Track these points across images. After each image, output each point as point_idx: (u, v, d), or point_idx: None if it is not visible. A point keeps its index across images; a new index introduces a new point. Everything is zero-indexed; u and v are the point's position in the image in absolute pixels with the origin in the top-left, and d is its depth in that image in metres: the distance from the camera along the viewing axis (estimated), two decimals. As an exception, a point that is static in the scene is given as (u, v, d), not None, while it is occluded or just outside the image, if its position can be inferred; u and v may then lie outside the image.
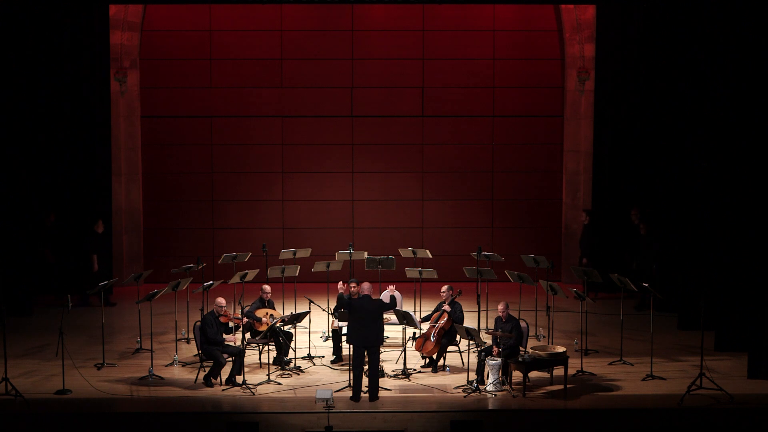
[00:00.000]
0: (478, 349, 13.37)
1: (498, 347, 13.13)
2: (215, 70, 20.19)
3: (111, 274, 18.37)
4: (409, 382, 13.44)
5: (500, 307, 13.43)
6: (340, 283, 15.04)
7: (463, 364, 13.86)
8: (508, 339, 13.10)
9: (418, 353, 14.13)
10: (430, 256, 16.85)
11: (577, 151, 19.91)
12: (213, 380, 13.25)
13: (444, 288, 14.20)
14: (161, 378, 13.52)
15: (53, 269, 18.29)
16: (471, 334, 12.93)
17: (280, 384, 13.30)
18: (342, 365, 14.11)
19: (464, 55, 20.25)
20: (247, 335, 14.25)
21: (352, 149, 20.42)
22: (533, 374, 13.28)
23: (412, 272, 15.71)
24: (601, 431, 11.98)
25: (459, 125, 20.39)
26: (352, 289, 14.36)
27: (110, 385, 13.25)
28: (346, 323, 13.89)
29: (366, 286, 13.02)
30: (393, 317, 14.44)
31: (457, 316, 13.91)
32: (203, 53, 20.13)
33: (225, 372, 13.27)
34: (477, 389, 12.88)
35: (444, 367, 13.97)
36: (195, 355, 14.21)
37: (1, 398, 12.53)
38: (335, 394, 12.29)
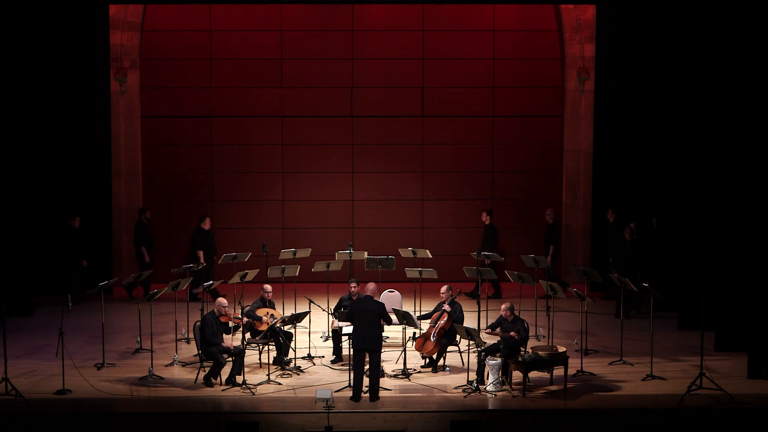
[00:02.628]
0: (478, 349, 13.37)
1: (507, 334, 13.08)
2: (215, 70, 20.20)
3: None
4: (409, 382, 13.44)
5: (503, 307, 13.43)
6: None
7: (463, 364, 13.86)
8: (510, 337, 13.09)
9: (418, 353, 14.13)
10: (430, 256, 16.85)
11: (577, 151, 19.91)
12: (213, 380, 13.24)
13: (443, 288, 14.20)
14: (161, 378, 13.51)
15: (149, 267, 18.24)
16: (471, 334, 12.93)
17: (280, 384, 13.29)
18: (342, 365, 14.11)
19: (464, 55, 20.25)
20: (247, 335, 14.25)
21: (352, 149, 20.42)
22: (533, 374, 13.27)
23: (412, 272, 15.70)
24: (601, 431, 11.98)
25: (459, 125, 20.39)
26: (352, 289, 14.36)
27: (110, 385, 13.25)
28: (345, 323, 13.89)
29: (371, 286, 12.97)
30: (393, 317, 14.43)
31: (457, 316, 13.91)
32: (203, 53, 20.13)
33: (225, 372, 13.27)
34: (477, 389, 12.88)
35: (444, 367, 13.97)
36: (195, 355, 14.20)
37: (1, 398, 12.52)
38: (335, 394, 12.28)
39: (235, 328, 14.03)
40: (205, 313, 13.86)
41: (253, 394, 12.85)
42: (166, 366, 14.11)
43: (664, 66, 17.40)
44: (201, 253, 18.05)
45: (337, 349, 14.41)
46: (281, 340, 13.91)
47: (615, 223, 18.20)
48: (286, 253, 16.73)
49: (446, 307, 13.96)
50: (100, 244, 18.89)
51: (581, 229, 19.73)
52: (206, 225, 18.43)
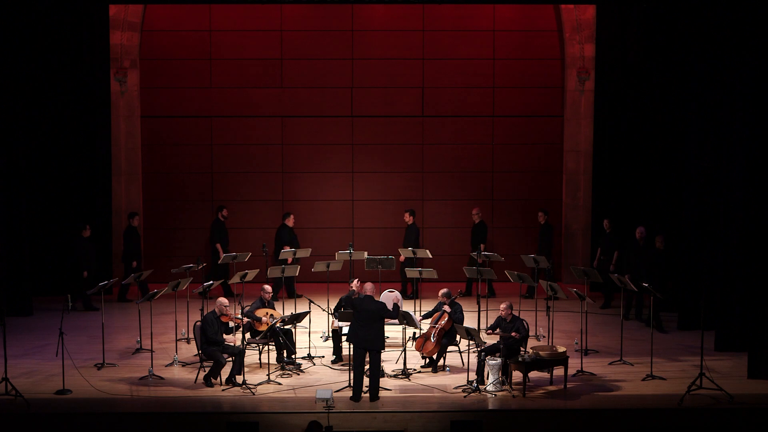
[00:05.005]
0: (478, 349, 13.37)
1: (507, 335, 13.09)
2: (215, 70, 20.19)
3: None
4: (409, 382, 13.44)
5: (503, 306, 13.43)
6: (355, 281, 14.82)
7: (463, 364, 13.86)
8: (510, 337, 13.09)
9: (418, 353, 14.13)
10: (430, 256, 16.86)
11: (577, 151, 19.90)
12: (213, 380, 13.25)
13: (442, 292, 14.17)
14: (161, 378, 13.52)
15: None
16: (471, 334, 12.93)
17: (280, 384, 13.29)
18: (342, 365, 14.11)
19: (464, 55, 20.24)
20: (247, 335, 14.24)
21: (352, 149, 20.41)
22: (533, 374, 13.28)
23: (412, 272, 15.71)
24: (601, 431, 11.98)
25: (459, 125, 20.39)
26: (353, 288, 14.35)
27: (110, 385, 13.26)
28: (346, 323, 13.90)
29: (369, 286, 13.00)
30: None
31: (457, 317, 13.91)
32: (203, 53, 20.12)
33: (225, 372, 13.27)
34: (477, 389, 12.88)
35: (444, 367, 13.97)
36: (195, 355, 14.20)
37: (1, 398, 12.53)
38: (335, 394, 12.29)
39: (236, 328, 14.02)
40: (205, 313, 13.86)
41: (253, 394, 12.85)
42: (166, 366, 14.11)
43: (664, 66, 17.40)
44: (287, 248, 18.04)
45: (337, 349, 14.41)
46: (281, 340, 13.91)
47: (545, 225, 18.69)
48: (286, 253, 16.72)
49: (446, 307, 13.96)
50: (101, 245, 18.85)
51: (581, 229, 19.73)
52: (290, 222, 18.55)
